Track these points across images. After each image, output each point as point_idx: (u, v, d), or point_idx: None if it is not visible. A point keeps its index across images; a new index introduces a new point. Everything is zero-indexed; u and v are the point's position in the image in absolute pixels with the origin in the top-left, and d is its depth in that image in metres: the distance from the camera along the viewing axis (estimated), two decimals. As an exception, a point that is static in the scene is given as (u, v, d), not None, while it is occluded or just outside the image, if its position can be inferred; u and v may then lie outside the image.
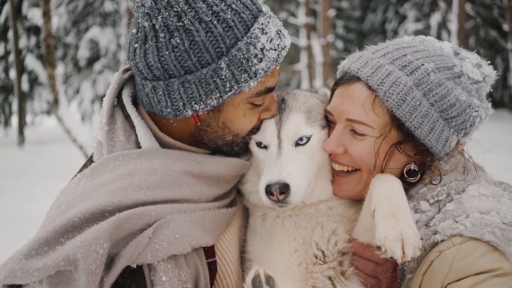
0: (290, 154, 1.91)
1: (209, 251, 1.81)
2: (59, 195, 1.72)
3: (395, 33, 26.13)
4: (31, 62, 25.30)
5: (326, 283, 1.87)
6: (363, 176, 1.95)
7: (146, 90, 1.78)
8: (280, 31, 1.81)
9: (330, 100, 2.06)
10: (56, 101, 15.70)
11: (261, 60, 1.72)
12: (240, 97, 1.78)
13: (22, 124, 24.85)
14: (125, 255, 1.51)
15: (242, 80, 1.71)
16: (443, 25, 22.86)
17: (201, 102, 1.72)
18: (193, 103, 1.72)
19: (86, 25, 31.27)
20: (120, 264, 1.50)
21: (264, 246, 1.95)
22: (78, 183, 1.69)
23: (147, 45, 1.71)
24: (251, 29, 1.71)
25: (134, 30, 1.76)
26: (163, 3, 1.65)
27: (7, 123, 31.87)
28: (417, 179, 1.90)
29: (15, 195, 11.14)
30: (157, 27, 1.67)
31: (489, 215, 1.66)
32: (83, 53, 30.47)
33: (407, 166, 1.92)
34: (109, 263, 1.50)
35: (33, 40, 26.93)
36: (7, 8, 23.63)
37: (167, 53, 1.67)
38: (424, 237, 1.73)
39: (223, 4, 1.69)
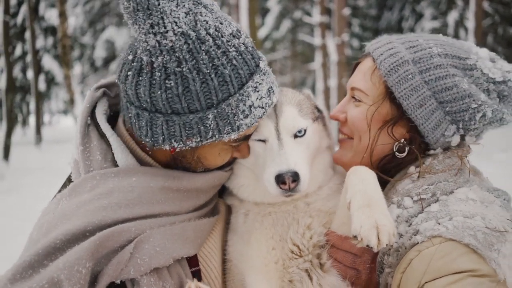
0: (291, 145, 1.94)
1: (193, 261, 1.84)
2: (40, 216, 1.73)
3: (412, 31, 25.89)
4: (48, 62, 25.63)
5: (302, 275, 1.90)
6: (353, 145, 2.02)
7: (130, 113, 1.79)
8: (271, 87, 1.85)
9: None
10: (72, 101, 15.89)
11: (247, 116, 1.76)
12: (219, 142, 1.82)
13: (39, 124, 25.15)
14: (108, 272, 1.53)
15: (225, 132, 1.75)
16: (460, 23, 22.60)
17: (181, 142, 1.75)
18: (173, 140, 1.75)
19: (103, 25, 31.55)
20: (103, 281, 1.52)
21: (243, 245, 1.98)
22: (58, 204, 1.70)
23: (140, 77, 1.70)
24: (245, 86, 1.74)
25: (130, 57, 1.74)
26: (166, 47, 1.64)
27: (24, 122, 32.34)
28: (404, 155, 1.93)
29: (32, 194, 11.29)
30: (155, 65, 1.67)
31: (473, 219, 1.65)
32: (100, 53, 30.75)
33: (396, 143, 1.94)
34: (93, 281, 1.52)
35: (50, 40, 27.30)
36: (24, 9, 23.92)
37: (159, 92, 1.68)
38: (405, 234, 1.75)
39: (225, 58, 1.70)
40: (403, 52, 1.90)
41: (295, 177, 1.83)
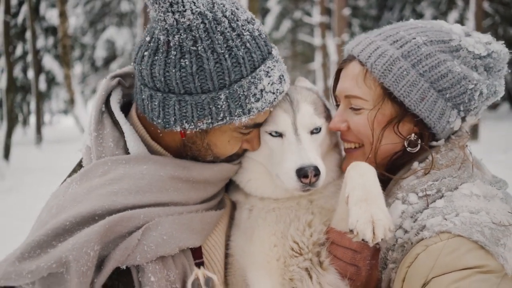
0: (309, 141, 1.97)
1: (197, 252, 1.85)
2: (49, 199, 1.76)
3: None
4: (49, 62, 25.63)
5: (303, 274, 1.90)
6: (365, 152, 2.00)
7: (143, 95, 1.83)
8: (282, 75, 1.88)
9: (335, 84, 2.14)
10: (72, 101, 15.87)
11: (258, 100, 1.79)
12: (229, 126, 1.84)
13: (39, 123, 25.19)
14: (115, 257, 1.55)
15: (236, 114, 1.77)
16: (460, 23, 22.57)
17: (192, 123, 1.77)
18: (184, 121, 1.77)
19: (103, 26, 31.58)
20: (110, 265, 1.54)
21: (246, 240, 1.99)
22: (68, 188, 1.73)
23: (156, 57, 1.75)
24: (257, 70, 1.78)
25: (147, 38, 1.78)
26: (184, 25, 1.69)
27: (25, 122, 32.36)
28: (417, 149, 1.93)
29: (32, 194, 11.28)
30: (171, 44, 1.71)
31: (479, 215, 1.67)
32: (100, 53, 30.80)
33: (407, 137, 1.94)
34: (99, 264, 1.54)
35: (50, 40, 27.30)
36: (25, 9, 23.94)
37: (173, 70, 1.71)
38: (410, 229, 1.75)
39: (239, 40, 1.74)
40: (390, 49, 1.90)
41: (317, 171, 1.85)
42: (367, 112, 1.95)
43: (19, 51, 26.97)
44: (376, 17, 27.63)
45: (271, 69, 1.82)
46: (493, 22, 23.29)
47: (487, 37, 1.95)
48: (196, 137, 1.87)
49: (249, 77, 1.75)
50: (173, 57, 1.71)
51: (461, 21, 22.17)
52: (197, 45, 1.69)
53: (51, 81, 28.62)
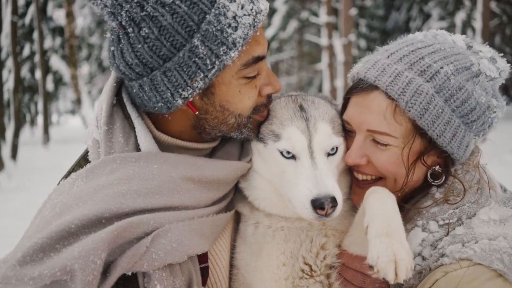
0: (325, 165, 1.85)
1: (203, 257, 1.80)
2: (53, 194, 1.66)
3: (419, 31, 25.69)
4: (56, 62, 25.72)
5: None
6: (387, 184, 1.90)
7: (135, 90, 1.75)
8: None
9: (344, 108, 2.02)
10: (79, 101, 15.94)
11: (236, 29, 1.64)
12: (228, 73, 1.72)
13: (47, 124, 25.29)
14: (122, 264, 1.49)
15: (222, 53, 1.64)
16: (468, 23, 22.48)
17: (188, 87, 1.67)
18: (180, 90, 1.68)
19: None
20: (116, 273, 1.47)
21: (252, 256, 1.93)
22: (73, 184, 1.64)
23: (121, 45, 1.68)
24: (217, 1, 1.64)
25: (108, 35, 1.75)
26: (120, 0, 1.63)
27: (33, 122, 32.47)
28: (441, 181, 1.86)
29: (40, 194, 11.32)
30: (123, 23, 1.65)
31: (497, 241, 1.65)
32: (107, 54, 30.86)
33: (431, 169, 1.88)
34: (105, 270, 1.47)
35: (58, 40, 27.39)
36: (32, 9, 24.05)
37: (139, 46, 1.64)
38: (430, 257, 1.72)
39: None
40: (423, 84, 1.78)
41: (334, 202, 1.74)
42: (395, 149, 1.85)
43: (26, 51, 27.08)
44: (383, 17, 27.53)
45: None
46: (501, 22, 23.14)
47: (489, 51, 1.92)
48: (206, 105, 1.77)
49: (213, 10, 1.62)
50: (132, 34, 1.64)
51: (468, 21, 22.06)
52: (145, 8, 1.61)
53: (59, 81, 28.71)
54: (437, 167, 1.87)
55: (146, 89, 1.71)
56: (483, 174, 1.90)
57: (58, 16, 26.65)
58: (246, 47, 1.70)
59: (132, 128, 1.80)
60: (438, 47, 1.88)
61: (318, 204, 1.73)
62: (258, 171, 1.98)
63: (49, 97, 28.41)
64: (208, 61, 1.64)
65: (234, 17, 1.64)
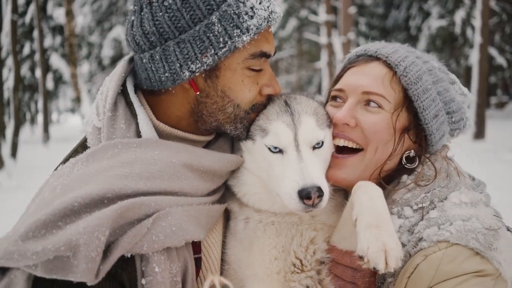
0: (311, 157, 1.88)
1: (196, 247, 1.81)
2: (50, 179, 1.68)
3: (419, 29, 25.78)
4: (56, 61, 25.76)
5: None
6: (365, 157, 1.95)
7: (144, 61, 1.82)
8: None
9: (337, 81, 2.13)
10: (78, 99, 15.95)
11: (251, 17, 1.76)
12: (235, 59, 1.80)
13: (47, 122, 25.32)
14: (122, 244, 1.49)
15: (235, 35, 1.74)
16: (467, 21, 22.49)
17: (197, 61, 1.75)
18: (189, 62, 1.75)
19: (110, 24, 31.69)
20: (117, 253, 1.47)
21: (244, 251, 1.94)
22: (73, 168, 1.66)
23: (142, 13, 1.78)
24: None
25: (131, 7, 1.84)
26: None
27: (33, 121, 32.52)
28: (415, 165, 1.94)
29: (40, 192, 11.33)
30: None
31: (470, 222, 1.71)
32: (107, 52, 30.88)
33: (406, 152, 1.96)
34: (105, 251, 1.46)
35: (58, 39, 27.42)
36: (32, 8, 24.07)
37: (160, 14, 1.74)
38: (408, 243, 1.78)
39: None
40: (418, 62, 1.95)
41: (320, 192, 1.76)
42: (386, 113, 1.92)
43: (26, 50, 27.13)
44: (382, 15, 27.55)
45: None
46: (500, 20, 23.16)
47: (452, 75, 2.09)
48: (208, 88, 1.83)
49: None
50: (156, 4, 1.75)
51: (467, 19, 22.08)
52: None
53: (58, 79, 28.77)
54: (412, 151, 1.96)
55: (157, 59, 1.79)
56: (450, 163, 1.97)
57: (58, 14, 26.68)
58: (257, 39, 1.81)
59: (134, 115, 1.85)
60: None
61: (304, 194, 1.75)
62: (247, 168, 2.02)
63: (49, 96, 28.45)
64: (221, 39, 1.74)
65: (251, 8, 1.77)
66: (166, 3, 1.74)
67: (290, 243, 1.91)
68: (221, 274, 1.96)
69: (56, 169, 1.80)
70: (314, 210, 1.81)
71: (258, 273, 1.89)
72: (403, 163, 1.95)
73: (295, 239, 1.92)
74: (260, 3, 1.79)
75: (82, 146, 1.88)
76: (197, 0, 1.72)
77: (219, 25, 1.73)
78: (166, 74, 1.79)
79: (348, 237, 1.74)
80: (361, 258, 1.55)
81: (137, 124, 1.84)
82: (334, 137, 2.01)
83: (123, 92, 1.91)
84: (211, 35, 1.73)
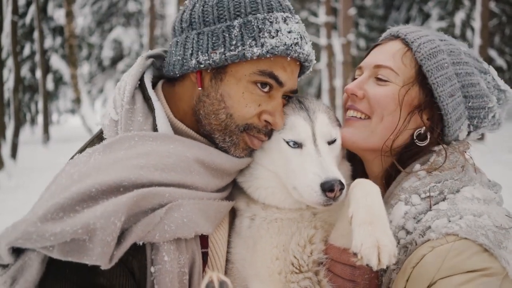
0: (328, 152, 1.94)
1: (203, 241, 1.85)
2: (67, 167, 1.72)
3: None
4: (56, 62, 25.75)
5: None
6: (371, 123, 2.01)
7: (171, 45, 1.98)
8: (304, 37, 1.92)
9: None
10: (78, 100, 15.95)
11: (272, 37, 1.82)
12: (243, 70, 1.85)
13: (47, 123, 25.31)
14: (136, 231, 1.54)
15: (248, 44, 1.80)
16: (467, 23, 22.50)
17: (206, 54, 1.83)
18: (199, 53, 1.84)
19: (110, 25, 31.70)
20: (130, 240, 1.52)
21: (247, 250, 1.96)
22: (90, 157, 1.71)
23: (187, 2, 1.97)
24: (274, 11, 1.86)
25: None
26: None
27: (33, 121, 32.51)
28: (426, 143, 1.95)
29: (39, 193, 11.34)
30: None
31: (482, 218, 1.70)
32: (107, 53, 30.91)
33: (417, 130, 1.97)
34: (119, 237, 1.50)
35: (58, 40, 27.43)
36: (32, 9, 24.08)
37: (197, 6, 1.89)
38: (414, 230, 1.77)
39: None
40: (437, 41, 1.97)
41: (342, 185, 1.80)
42: (393, 86, 1.97)
43: (27, 51, 27.14)
44: (382, 17, 27.55)
45: (290, 21, 1.88)
46: (500, 22, 23.17)
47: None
48: (211, 88, 1.88)
49: (265, 14, 1.84)
50: None
51: (467, 21, 22.09)
52: None
53: (59, 80, 28.77)
54: (423, 128, 1.96)
55: (179, 44, 1.92)
56: (469, 159, 1.97)
57: (59, 15, 26.66)
58: (271, 60, 1.85)
59: (151, 110, 1.92)
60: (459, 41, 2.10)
61: (328, 187, 1.79)
62: (260, 163, 2.04)
63: (49, 97, 28.45)
64: (233, 42, 1.81)
65: (277, 30, 1.84)
66: None
67: (289, 241, 1.92)
68: (225, 273, 1.97)
69: (72, 158, 1.83)
70: (333, 204, 1.83)
71: (261, 273, 1.90)
72: (414, 140, 1.96)
73: (294, 237, 1.93)
74: (289, 32, 1.85)
75: (99, 138, 1.95)
76: (231, 3, 1.85)
77: (237, 30, 1.81)
78: (178, 57, 1.91)
79: (346, 234, 1.74)
80: (355, 255, 1.56)
81: (154, 118, 1.90)
82: (346, 110, 2.13)
83: (141, 87, 1.97)
84: (227, 35, 1.82)
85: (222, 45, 1.81)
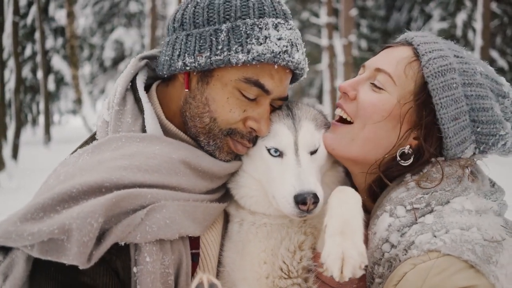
0: (308, 163, 1.90)
1: (194, 242, 1.84)
2: (58, 167, 1.77)
3: (420, 32, 25.64)
4: (58, 62, 25.79)
5: None
6: (352, 130, 1.92)
7: (163, 45, 1.97)
8: (296, 44, 1.87)
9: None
10: (79, 101, 15.96)
11: (260, 44, 1.79)
12: (230, 75, 1.83)
13: (48, 123, 25.34)
14: (116, 232, 1.54)
15: (234, 49, 1.78)
16: (468, 24, 22.47)
17: (192, 56, 1.82)
18: (186, 55, 1.84)
19: (112, 26, 31.74)
20: (110, 240, 1.53)
21: (237, 254, 1.96)
22: (79, 158, 1.74)
23: (182, 2, 1.97)
24: (265, 17, 1.83)
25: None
26: None
27: (34, 122, 32.52)
28: (409, 163, 1.84)
29: (41, 193, 11.33)
30: None
31: (470, 231, 1.61)
32: (109, 54, 30.94)
33: (401, 149, 1.85)
34: (99, 237, 1.52)
35: (59, 41, 27.44)
36: (34, 9, 24.10)
37: (189, 6, 1.89)
38: (398, 244, 1.69)
39: None
40: (451, 58, 1.81)
41: (316, 198, 1.77)
42: (386, 95, 1.86)
43: (28, 51, 27.14)
44: (384, 17, 27.54)
45: (282, 27, 1.84)
46: (501, 23, 23.14)
47: None
48: (197, 89, 1.88)
49: (255, 20, 1.81)
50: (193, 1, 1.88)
51: (469, 22, 22.07)
52: None
53: (60, 81, 28.78)
54: (407, 147, 1.85)
55: (169, 43, 1.92)
56: (467, 171, 1.85)
57: (60, 16, 26.66)
58: (258, 67, 1.82)
59: (141, 111, 1.92)
60: (480, 60, 1.93)
61: (300, 200, 1.77)
62: (246, 170, 2.03)
63: (51, 97, 28.49)
64: (220, 47, 1.80)
65: (266, 37, 1.80)
66: (198, 0, 1.87)
67: (278, 246, 1.90)
68: (217, 275, 1.96)
69: (67, 157, 1.86)
70: (308, 216, 1.81)
71: (248, 277, 1.89)
72: (397, 157, 1.85)
73: (284, 242, 1.91)
74: (279, 39, 1.82)
75: (92, 138, 1.96)
76: (221, 6, 1.83)
77: (224, 34, 1.80)
78: (166, 58, 1.91)
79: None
80: (322, 265, 1.53)
81: (143, 119, 1.89)
82: (336, 107, 2.04)
83: (133, 88, 1.97)
84: (214, 39, 1.80)
85: (209, 49, 1.80)
